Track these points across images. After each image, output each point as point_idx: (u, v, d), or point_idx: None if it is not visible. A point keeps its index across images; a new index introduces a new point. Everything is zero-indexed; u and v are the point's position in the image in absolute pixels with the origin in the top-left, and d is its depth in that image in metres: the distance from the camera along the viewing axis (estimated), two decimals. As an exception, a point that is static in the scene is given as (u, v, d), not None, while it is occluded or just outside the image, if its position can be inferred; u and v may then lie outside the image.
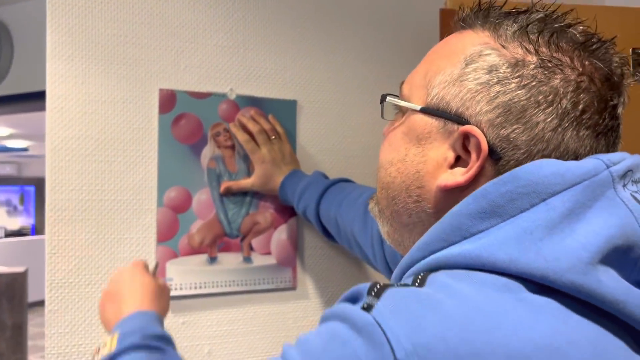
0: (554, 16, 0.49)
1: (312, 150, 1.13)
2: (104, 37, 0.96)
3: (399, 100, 0.54)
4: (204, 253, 1.00)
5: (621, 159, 0.45)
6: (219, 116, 1.00)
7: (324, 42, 1.15)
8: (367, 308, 0.40)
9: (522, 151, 0.46)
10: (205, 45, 1.04)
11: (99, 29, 0.95)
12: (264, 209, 1.04)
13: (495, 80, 0.47)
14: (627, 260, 0.43)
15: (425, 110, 0.50)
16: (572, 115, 0.46)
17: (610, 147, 0.48)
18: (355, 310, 0.41)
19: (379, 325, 0.38)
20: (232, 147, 1.01)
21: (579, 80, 0.47)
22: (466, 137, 0.48)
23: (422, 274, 0.43)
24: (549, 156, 0.46)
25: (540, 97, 0.46)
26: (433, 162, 0.50)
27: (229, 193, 1.01)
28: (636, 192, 0.45)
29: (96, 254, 0.94)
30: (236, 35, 1.07)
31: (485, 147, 0.46)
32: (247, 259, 1.03)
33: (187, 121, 0.99)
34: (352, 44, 1.18)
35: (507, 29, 0.49)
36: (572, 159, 0.46)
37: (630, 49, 0.84)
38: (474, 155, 0.47)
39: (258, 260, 1.03)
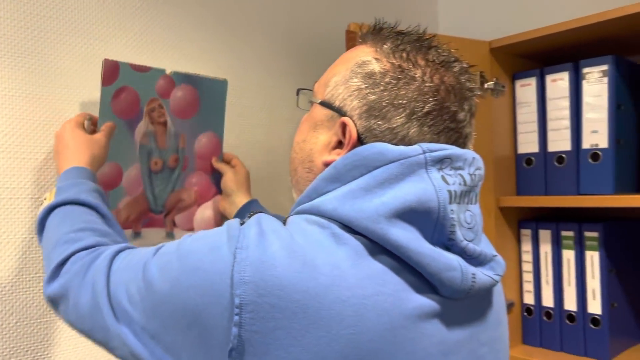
0: (424, 38, 0.63)
1: (239, 126, 1.19)
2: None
3: (309, 93, 0.70)
4: (129, 228, 1.00)
5: (440, 149, 0.57)
6: (155, 92, 1.01)
7: (228, 49, 1.22)
8: (242, 224, 0.55)
9: (378, 139, 0.59)
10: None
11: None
12: (190, 186, 1.09)
13: (370, 84, 0.60)
14: (427, 222, 0.54)
15: (322, 104, 0.64)
16: (418, 115, 0.58)
17: (452, 144, 0.60)
18: (235, 222, 0.57)
19: (241, 231, 0.53)
20: (165, 124, 1.02)
21: (427, 89, 0.59)
22: (344, 126, 0.61)
23: (287, 217, 0.59)
24: (395, 144, 0.58)
25: (397, 100, 0.58)
26: (321, 144, 0.64)
27: (158, 170, 1.05)
28: (450, 175, 0.56)
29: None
30: (147, 35, 1.09)
31: (354, 135, 0.60)
32: (170, 234, 1.05)
33: (126, 95, 0.97)
34: (251, 54, 1.26)
35: (386, 46, 0.62)
36: (400, 141, 0.59)
37: (479, 72, 1.13)
38: (347, 139, 0.60)
39: (181, 235, 1.06)
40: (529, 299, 1.21)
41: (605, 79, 1.09)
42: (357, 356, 0.48)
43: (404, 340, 0.50)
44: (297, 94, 0.74)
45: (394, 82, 0.59)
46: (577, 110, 1.13)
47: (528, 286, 1.21)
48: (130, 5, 1.06)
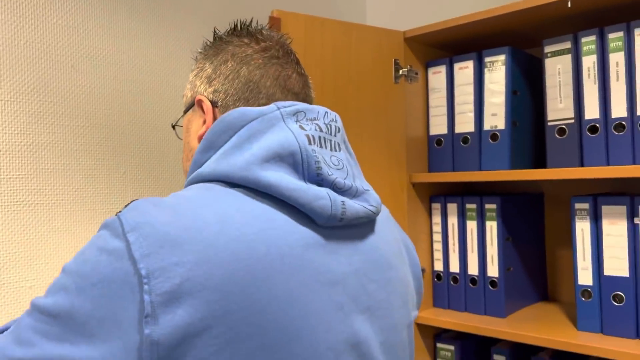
0: (229, 29, 0.76)
1: (174, 109, 1.24)
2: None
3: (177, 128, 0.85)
4: None
5: (292, 105, 0.66)
6: None
7: (160, 31, 1.26)
8: (117, 214, 0.57)
9: (222, 92, 0.71)
10: (45, 24, 1.07)
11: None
12: None
13: (199, 68, 0.75)
14: (294, 163, 0.62)
15: (185, 112, 0.78)
16: (243, 60, 0.71)
17: (284, 77, 0.72)
18: (109, 218, 0.58)
19: (119, 218, 0.55)
20: None
21: (240, 43, 0.73)
22: (199, 105, 0.72)
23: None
24: (239, 89, 0.70)
25: (220, 60, 0.73)
26: (194, 131, 0.74)
27: None
28: (306, 124, 0.65)
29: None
30: (76, 15, 1.12)
31: (208, 103, 0.71)
32: None
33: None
34: (185, 35, 1.31)
35: (205, 50, 0.77)
36: (255, 87, 0.70)
37: (394, 59, 1.23)
38: (206, 109, 0.71)
39: None
40: (439, 266, 1.33)
41: (504, 68, 1.22)
42: (254, 286, 0.54)
43: (293, 267, 0.56)
44: (174, 128, 0.86)
45: (214, 55, 0.73)
46: (480, 96, 1.26)
47: (438, 255, 1.34)
48: (61, -14, 1.10)
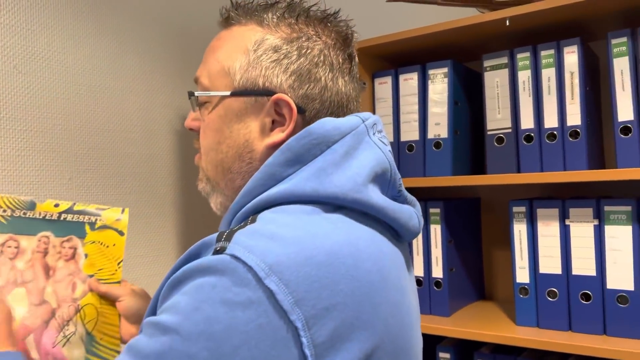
0: (294, 4, 0.64)
1: (119, 110, 1.21)
2: None
3: (209, 92, 0.63)
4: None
5: (369, 116, 0.62)
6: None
7: (105, 32, 1.25)
8: (220, 251, 0.48)
9: (317, 101, 0.61)
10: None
11: None
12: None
13: (283, 56, 0.60)
14: (385, 180, 0.60)
15: (236, 93, 0.62)
16: (336, 67, 0.62)
17: (358, 89, 0.66)
18: (209, 258, 0.47)
19: (239, 259, 0.46)
20: None
21: (331, 43, 0.63)
22: (276, 103, 0.60)
23: (251, 216, 0.54)
24: (333, 101, 0.62)
25: (315, 59, 0.61)
26: (256, 129, 0.61)
27: None
28: (380, 137, 0.62)
29: None
30: (19, 15, 1.09)
31: (294, 106, 0.60)
32: None
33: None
34: (129, 38, 1.31)
35: (269, 18, 0.62)
36: (345, 101, 0.64)
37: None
38: (287, 115, 0.60)
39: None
40: (386, 269, 1.39)
41: (446, 80, 1.29)
42: (392, 316, 0.54)
43: (388, 277, 0.55)
44: (190, 96, 0.66)
45: (304, 45, 0.61)
46: (424, 106, 1.33)
47: (385, 258, 1.39)
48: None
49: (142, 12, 1.31)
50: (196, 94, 0.65)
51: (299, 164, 0.57)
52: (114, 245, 0.84)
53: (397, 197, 0.63)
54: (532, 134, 1.17)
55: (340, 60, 0.63)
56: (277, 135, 0.61)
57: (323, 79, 0.61)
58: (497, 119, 1.22)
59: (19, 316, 0.77)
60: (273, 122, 0.61)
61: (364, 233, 0.55)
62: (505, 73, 1.21)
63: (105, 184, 1.23)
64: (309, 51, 0.61)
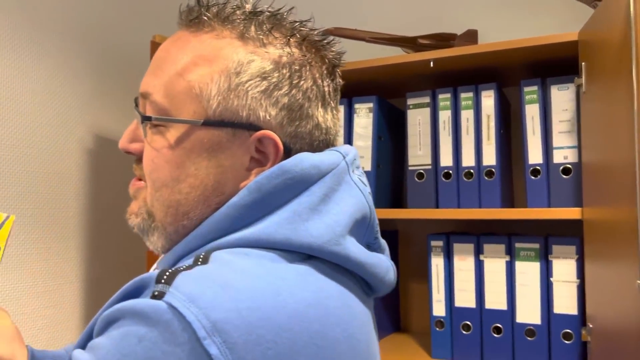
0: (278, 14, 0.54)
1: (29, 128, 1.12)
2: None
3: (173, 119, 0.51)
4: None
5: (349, 151, 0.54)
6: None
7: (18, 44, 1.19)
8: (159, 296, 0.40)
9: (306, 141, 0.53)
10: None
11: None
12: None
13: (272, 86, 0.51)
14: (362, 227, 0.53)
15: (210, 123, 0.50)
16: (328, 101, 0.54)
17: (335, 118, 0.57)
18: (144, 302, 0.39)
19: (176, 310, 0.38)
20: None
21: (323, 72, 0.55)
22: (259, 140, 0.51)
23: (203, 254, 0.45)
24: (322, 140, 0.54)
25: (309, 92, 0.52)
26: (232, 170, 0.51)
27: None
28: (359, 175, 0.55)
29: None
30: None
31: (281, 146, 0.51)
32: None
33: None
34: (44, 51, 1.26)
35: (253, 32, 0.51)
36: (332, 138, 0.56)
37: None
38: (271, 155, 0.51)
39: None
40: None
41: (371, 115, 1.32)
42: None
43: (357, 346, 0.48)
44: (144, 121, 0.53)
45: (296, 74, 0.52)
46: (349, 139, 1.35)
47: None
48: None
49: (55, 25, 1.24)
50: (153, 118, 0.52)
51: (270, 206, 0.49)
52: None
53: (372, 244, 0.56)
54: (451, 172, 1.22)
55: (331, 91, 0.56)
56: (253, 174, 0.52)
57: (315, 115, 0.53)
58: (418, 155, 1.26)
59: None
60: (250, 159, 0.52)
61: (334, 291, 0.47)
62: (427, 112, 1.26)
63: (3, 200, 1.13)
64: (302, 82, 0.52)
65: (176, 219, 0.52)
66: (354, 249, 0.50)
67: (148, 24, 1.44)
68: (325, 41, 0.56)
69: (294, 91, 0.52)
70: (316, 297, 0.45)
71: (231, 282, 0.41)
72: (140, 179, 0.55)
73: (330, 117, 0.55)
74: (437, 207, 1.22)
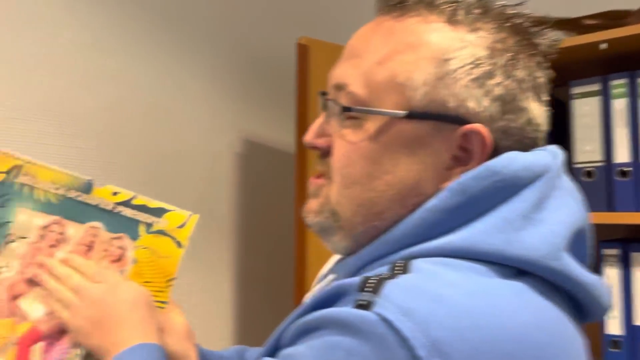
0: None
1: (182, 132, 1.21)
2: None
3: (375, 110, 0.47)
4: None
5: (558, 152, 0.49)
6: None
7: (174, 53, 1.24)
8: (366, 306, 0.37)
9: (515, 138, 0.47)
10: (57, 39, 1.07)
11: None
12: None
13: (485, 74, 0.45)
14: (578, 241, 0.46)
15: (414, 115, 0.46)
16: (540, 91, 0.49)
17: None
18: (349, 311, 0.37)
19: (390, 324, 0.35)
20: None
21: (538, 61, 0.49)
22: (465, 136, 0.46)
23: (402, 262, 0.42)
24: (533, 138, 0.48)
25: (523, 83, 0.47)
26: (433, 168, 0.46)
27: None
28: (570, 179, 0.48)
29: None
30: (87, 33, 1.10)
31: (490, 142, 0.45)
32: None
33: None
34: (196, 59, 1.30)
35: (463, 16, 0.47)
36: (535, 131, 0.49)
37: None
38: (477, 152, 0.46)
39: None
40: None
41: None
42: None
43: None
44: (342, 112, 0.49)
45: (510, 61, 0.47)
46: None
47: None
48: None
49: (208, 40, 1.30)
50: (353, 109, 0.48)
51: (475, 211, 0.44)
52: (168, 257, 0.69)
53: (585, 261, 0.48)
54: (628, 169, 1.05)
55: (543, 84, 0.49)
56: (458, 177, 0.45)
57: (529, 109, 0.47)
58: (585, 150, 1.12)
59: (33, 318, 0.63)
60: (451, 157, 0.47)
61: (552, 313, 0.42)
62: (596, 101, 1.10)
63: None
64: (517, 71, 0.47)
65: (367, 219, 0.48)
66: (574, 266, 0.44)
67: (293, 26, 1.44)
68: (538, 27, 0.49)
69: (508, 81, 0.46)
70: (537, 321, 0.40)
71: (445, 296, 0.37)
72: (319, 176, 0.52)
73: (539, 114, 0.49)
74: (611, 210, 1.07)
